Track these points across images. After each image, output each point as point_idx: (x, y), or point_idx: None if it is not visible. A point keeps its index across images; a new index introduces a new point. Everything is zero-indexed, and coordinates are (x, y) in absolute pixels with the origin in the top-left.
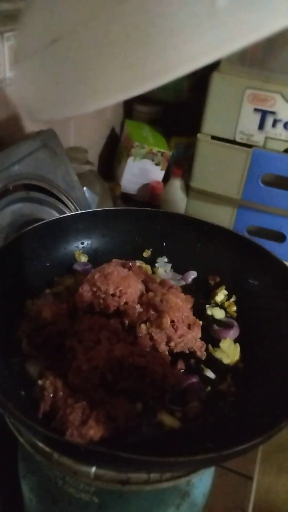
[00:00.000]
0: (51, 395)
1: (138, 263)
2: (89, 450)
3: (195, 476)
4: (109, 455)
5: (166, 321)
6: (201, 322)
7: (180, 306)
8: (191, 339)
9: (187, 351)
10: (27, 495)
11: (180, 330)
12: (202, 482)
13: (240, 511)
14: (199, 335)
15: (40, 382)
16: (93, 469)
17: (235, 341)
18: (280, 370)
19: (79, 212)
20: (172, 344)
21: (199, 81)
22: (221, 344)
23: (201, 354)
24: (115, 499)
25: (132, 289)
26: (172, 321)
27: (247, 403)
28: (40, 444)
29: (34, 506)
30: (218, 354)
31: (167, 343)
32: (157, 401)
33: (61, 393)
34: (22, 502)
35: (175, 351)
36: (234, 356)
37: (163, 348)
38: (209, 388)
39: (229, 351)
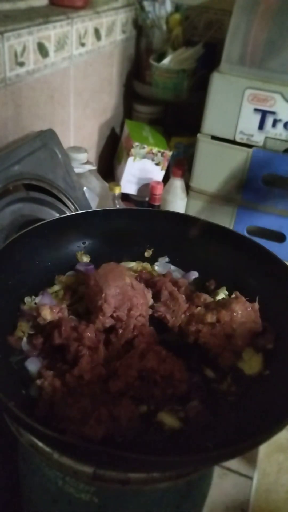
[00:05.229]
0: (50, 395)
1: (134, 264)
2: (89, 450)
3: (195, 476)
4: (109, 455)
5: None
6: None
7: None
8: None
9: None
10: (27, 495)
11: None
12: (202, 482)
13: (240, 511)
14: None
15: (38, 382)
16: (93, 469)
17: None
18: (279, 369)
19: (80, 212)
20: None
21: (199, 81)
22: None
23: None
24: (115, 499)
25: (143, 308)
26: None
27: (247, 403)
28: (40, 444)
29: (34, 506)
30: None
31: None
32: (158, 401)
33: (60, 393)
34: (22, 502)
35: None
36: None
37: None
38: (209, 388)
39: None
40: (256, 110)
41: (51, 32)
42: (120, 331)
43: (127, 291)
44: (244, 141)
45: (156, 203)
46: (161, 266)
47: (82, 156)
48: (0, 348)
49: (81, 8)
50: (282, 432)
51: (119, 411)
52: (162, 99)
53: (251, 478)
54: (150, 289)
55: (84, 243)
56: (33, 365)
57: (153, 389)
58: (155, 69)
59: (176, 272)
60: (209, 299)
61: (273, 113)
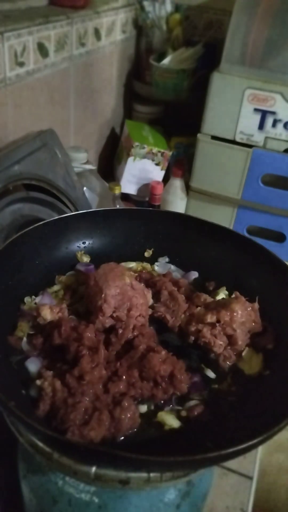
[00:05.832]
0: (50, 395)
1: (134, 264)
2: (89, 450)
3: (195, 476)
4: (109, 455)
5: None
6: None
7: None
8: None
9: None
10: (27, 495)
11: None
12: (202, 482)
13: (240, 511)
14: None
15: (38, 382)
16: (93, 469)
17: None
18: (279, 369)
19: (80, 212)
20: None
21: (199, 81)
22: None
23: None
24: (115, 499)
25: (143, 308)
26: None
27: (247, 403)
28: (40, 444)
29: (34, 506)
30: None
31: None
32: (158, 401)
33: (60, 393)
34: (22, 502)
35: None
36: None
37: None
38: (209, 388)
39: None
40: (256, 110)
41: (51, 32)
42: (120, 331)
43: (127, 291)
44: (244, 141)
45: (156, 203)
46: (161, 266)
47: (82, 156)
48: (0, 348)
49: (81, 8)
50: (282, 432)
51: (119, 411)
52: (162, 99)
53: (251, 478)
54: (150, 289)
55: (84, 243)
56: (33, 365)
57: (153, 389)
58: (155, 69)
59: (176, 272)
60: (209, 299)
61: (273, 113)
